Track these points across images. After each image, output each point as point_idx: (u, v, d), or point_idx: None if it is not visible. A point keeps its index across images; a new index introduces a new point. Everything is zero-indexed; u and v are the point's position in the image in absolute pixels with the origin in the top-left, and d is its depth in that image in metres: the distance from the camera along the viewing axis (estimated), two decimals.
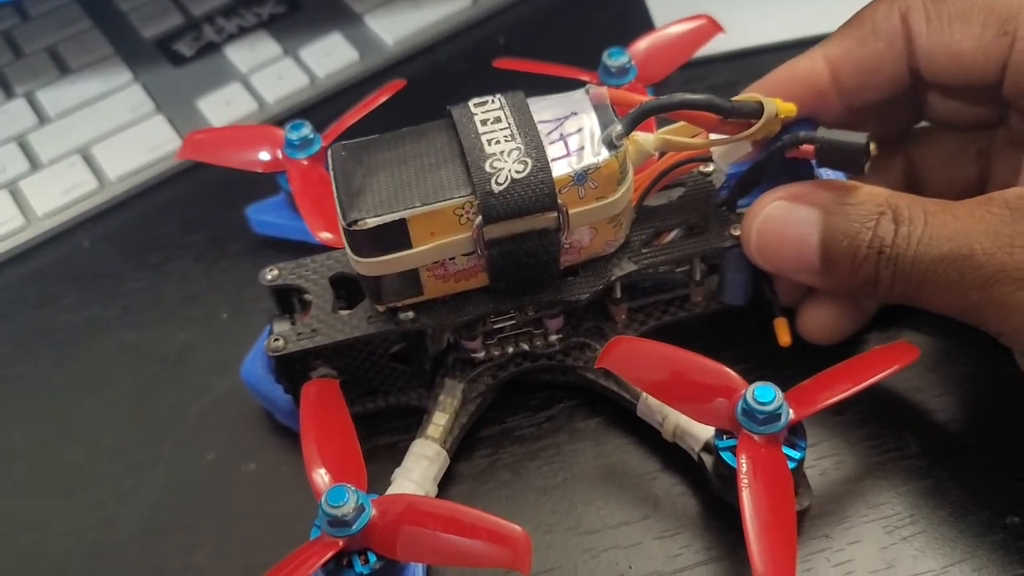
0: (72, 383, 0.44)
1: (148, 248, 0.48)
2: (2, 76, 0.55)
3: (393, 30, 0.55)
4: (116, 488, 0.40)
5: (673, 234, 0.38)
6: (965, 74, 0.37)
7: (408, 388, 0.40)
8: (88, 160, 0.51)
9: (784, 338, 0.39)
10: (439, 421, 0.38)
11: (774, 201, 0.36)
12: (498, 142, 0.34)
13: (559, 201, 0.34)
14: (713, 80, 0.51)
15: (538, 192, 0.34)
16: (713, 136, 0.37)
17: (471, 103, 0.36)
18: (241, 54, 0.55)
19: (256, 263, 0.46)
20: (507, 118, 0.35)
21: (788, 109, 0.36)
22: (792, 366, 0.37)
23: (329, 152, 0.36)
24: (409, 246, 0.34)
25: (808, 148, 0.37)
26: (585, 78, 0.45)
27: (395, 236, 0.34)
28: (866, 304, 0.40)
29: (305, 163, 0.43)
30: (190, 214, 0.49)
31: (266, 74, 0.54)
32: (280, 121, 0.52)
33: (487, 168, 0.34)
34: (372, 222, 0.34)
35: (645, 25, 0.53)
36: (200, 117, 0.52)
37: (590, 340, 0.39)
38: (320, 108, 0.53)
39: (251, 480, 0.40)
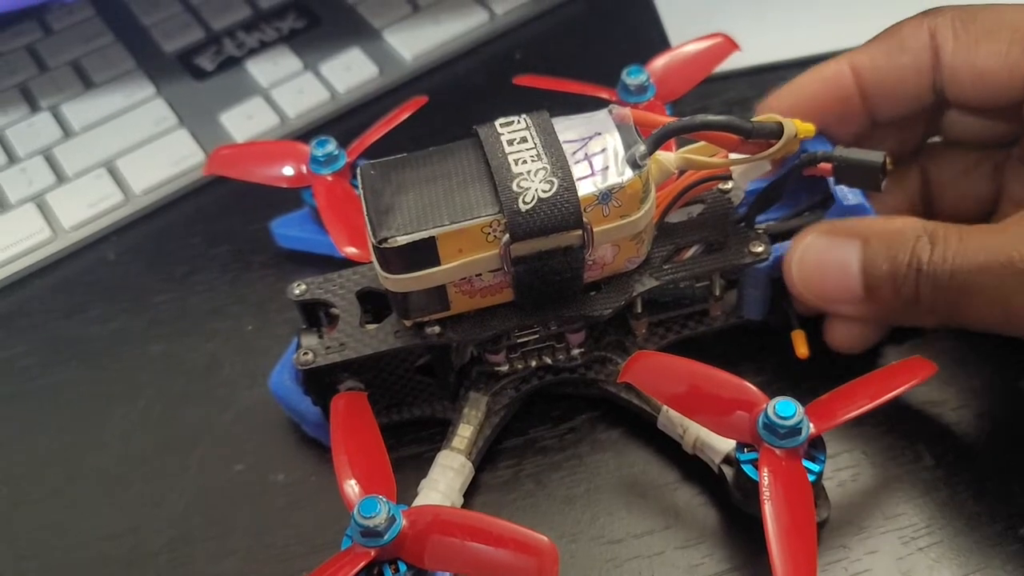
0: (100, 393, 0.45)
1: (173, 260, 0.49)
2: (27, 90, 0.56)
3: (411, 45, 0.55)
4: (146, 497, 0.41)
5: (693, 250, 0.39)
6: (988, 92, 0.37)
7: (433, 400, 0.41)
8: (113, 173, 0.51)
9: (801, 350, 0.39)
10: (464, 433, 0.39)
11: (813, 234, 0.36)
12: (524, 162, 0.35)
13: (584, 219, 0.35)
14: (729, 95, 0.52)
15: (564, 211, 0.35)
16: (733, 155, 0.37)
17: (497, 123, 0.36)
18: (262, 68, 0.55)
19: (280, 276, 0.47)
20: (533, 138, 0.36)
21: (807, 129, 0.37)
22: (809, 379, 0.38)
23: (359, 171, 0.36)
24: (437, 263, 0.35)
25: (825, 166, 0.37)
26: (604, 95, 0.45)
27: (424, 253, 0.35)
28: None
29: (330, 179, 0.44)
30: (214, 227, 0.50)
31: (287, 88, 0.54)
32: (301, 135, 0.53)
33: (514, 188, 0.35)
34: (402, 240, 0.34)
35: (660, 41, 0.54)
36: (223, 131, 0.53)
37: (611, 354, 0.40)
38: (340, 122, 0.54)
39: (280, 490, 0.41)
